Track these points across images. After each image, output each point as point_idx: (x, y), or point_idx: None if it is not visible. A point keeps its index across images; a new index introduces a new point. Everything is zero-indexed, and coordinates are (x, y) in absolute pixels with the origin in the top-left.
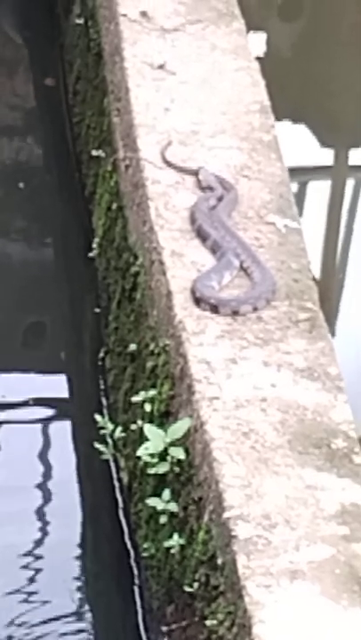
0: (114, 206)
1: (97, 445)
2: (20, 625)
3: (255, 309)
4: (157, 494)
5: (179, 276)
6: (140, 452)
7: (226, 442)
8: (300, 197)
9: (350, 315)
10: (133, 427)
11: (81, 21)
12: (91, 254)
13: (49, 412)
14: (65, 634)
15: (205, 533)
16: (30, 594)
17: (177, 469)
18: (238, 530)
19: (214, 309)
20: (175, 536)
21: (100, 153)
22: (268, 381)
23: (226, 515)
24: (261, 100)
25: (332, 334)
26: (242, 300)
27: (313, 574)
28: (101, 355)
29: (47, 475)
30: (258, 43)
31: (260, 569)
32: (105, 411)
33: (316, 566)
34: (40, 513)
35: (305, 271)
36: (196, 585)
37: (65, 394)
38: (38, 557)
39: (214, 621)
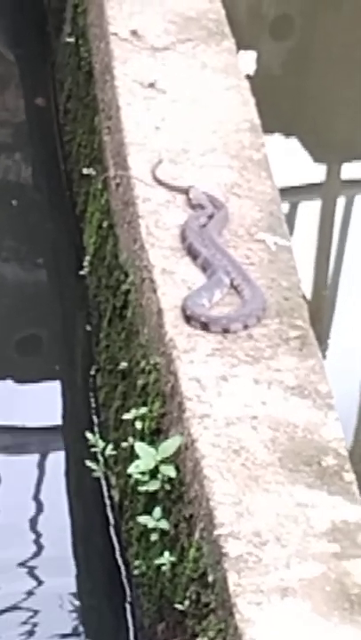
0: (105, 224)
1: (88, 463)
2: None
3: (246, 327)
4: (148, 512)
5: (169, 294)
6: (130, 470)
7: (216, 459)
8: (291, 214)
9: (341, 332)
10: (124, 444)
11: (72, 40)
12: (82, 272)
13: (40, 429)
14: None
15: (196, 551)
16: (21, 611)
17: (168, 487)
18: (229, 547)
19: (205, 327)
20: (166, 554)
21: (91, 171)
22: (258, 399)
23: (216, 532)
24: (251, 118)
25: (323, 352)
26: (232, 318)
27: (304, 591)
28: (92, 372)
29: (38, 492)
30: (248, 61)
31: (250, 586)
32: (96, 428)
33: (306, 583)
34: (31, 530)
35: (295, 289)
36: (187, 602)
37: (56, 411)
38: (29, 574)
39: (205, 639)
